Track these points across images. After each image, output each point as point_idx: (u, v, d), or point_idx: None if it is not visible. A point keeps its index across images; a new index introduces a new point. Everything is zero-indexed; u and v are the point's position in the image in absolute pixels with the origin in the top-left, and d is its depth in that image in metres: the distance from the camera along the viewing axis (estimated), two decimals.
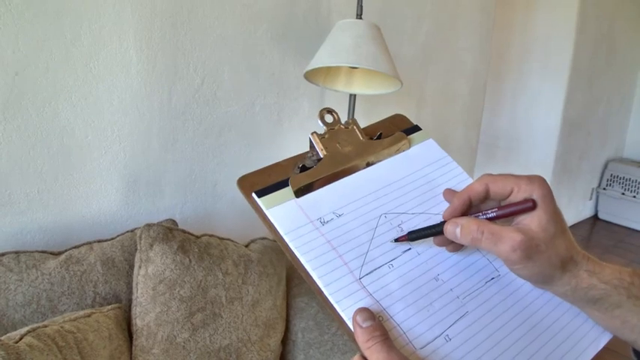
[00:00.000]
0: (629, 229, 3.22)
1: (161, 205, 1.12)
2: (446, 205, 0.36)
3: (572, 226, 3.18)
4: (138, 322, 0.86)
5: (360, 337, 0.28)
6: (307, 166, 0.37)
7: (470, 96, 1.97)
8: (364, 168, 0.38)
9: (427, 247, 0.35)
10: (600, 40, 2.85)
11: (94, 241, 0.91)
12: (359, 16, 1.14)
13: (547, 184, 0.32)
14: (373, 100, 1.44)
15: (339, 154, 0.38)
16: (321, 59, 1.07)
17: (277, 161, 0.37)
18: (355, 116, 1.23)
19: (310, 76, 1.16)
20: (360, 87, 1.24)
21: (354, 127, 0.40)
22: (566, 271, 0.31)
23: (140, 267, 0.87)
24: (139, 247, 0.89)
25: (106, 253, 0.89)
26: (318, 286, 0.31)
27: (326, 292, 0.31)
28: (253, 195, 0.35)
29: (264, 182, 0.36)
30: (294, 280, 1.08)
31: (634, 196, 3.17)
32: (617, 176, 3.26)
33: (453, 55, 1.84)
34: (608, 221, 3.32)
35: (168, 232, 0.90)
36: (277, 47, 1.24)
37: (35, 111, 0.91)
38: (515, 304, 0.34)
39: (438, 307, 0.32)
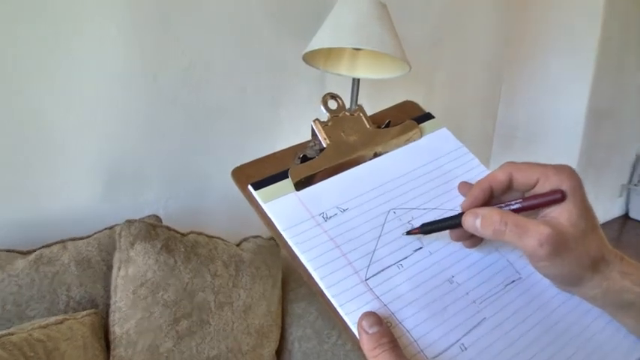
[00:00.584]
0: None
1: (144, 200, 1.12)
2: (461, 200, 0.36)
3: (600, 226, 3.17)
4: (116, 329, 0.86)
5: (366, 345, 0.28)
6: (309, 156, 0.38)
7: (485, 82, 1.97)
8: (371, 159, 0.39)
9: (441, 246, 0.35)
10: (631, 20, 2.83)
11: (68, 239, 0.90)
12: None
13: (577, 174, 0.32)
14: (378, 85, 1.44)
15: (344, 143, 0.38)
16: (321, 40, 1.06)
17: (275, 151, 0.38)
18: (359, 103, 1.23)
19: (309, 58, 1.15)
20: (364, 71, 1.24)
21: (361, 115, 0.40)
22: (596, 271, 0.31)
23: (119, 268, 0.87)
24: (118, 246, 0.88)
25: (81, 252, 0.88)
26: (320, 287, 0.31)
27: (328, 295, 0.31)
28: (249, 187, 0.35)
29: (262, 173, 0.36)
30: (290, 284, 1.08)
31: None
32: None
33: (466, 38, 1.83)
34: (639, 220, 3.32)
35: (152, 229, 0.90)
36: (273, 27, 1.23)
37: (1, 95, 0.90)
38: (538, 309, 0.34)
39: (453, 313, 0.32)
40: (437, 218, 0.36)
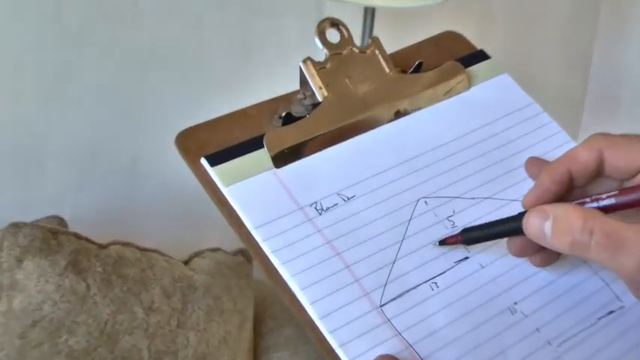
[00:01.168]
0: None
1: (40, 193, 1.12)
2: (529, 185, 0.37)
3: None
4: None
5: None
6: (295, 115, 0.39)
7: (572, 16, 1.95)
8: (392, 120, 0.40)
9: (498, 257, 0.36)
10: None
11: None
12: None
13: None
14: (403, 18, 1.43)
15: (350, 96, 0.39)
16: None
17: (244, 107, 0.40)
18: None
19: None
20: None
21: (376, 52, 0.41)
22: None
23: (0, 298, 0.85)
24: None
25: None
26: (309, 317, 0.32)
27: (323, 328, 0.32)
28: (203, 162, 0.36)
29: (222, 141, 0.37)
30: (267, 322, 1.09)
31: None
32: None
33: None
34: None
35: (51, 237, 0.89)
36: None
37: None
38: None
39: (516, 359, 0.33)
40: (490, 213, 0.37)
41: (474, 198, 0.38)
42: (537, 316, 0.34)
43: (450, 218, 0.37)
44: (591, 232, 0.30)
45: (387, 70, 0.41)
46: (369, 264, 0.34)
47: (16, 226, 0.88)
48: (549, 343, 0.33)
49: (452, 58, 0.43)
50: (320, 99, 0.39)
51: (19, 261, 0.87)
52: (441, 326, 0.33)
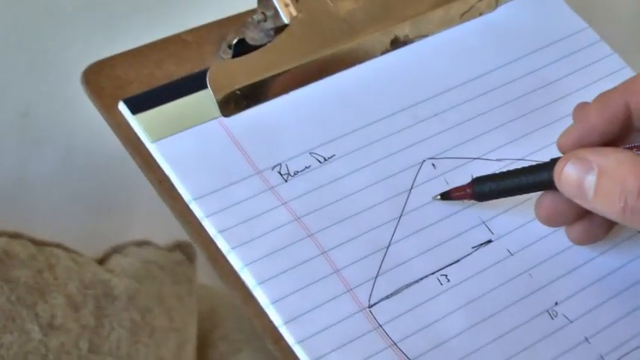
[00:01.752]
0: None
1: None
2: None
3: None
4: None
5: None
6: (251, 43, 0.38)
7: None
8: (386, 52, 0.40)
9: (532, 240, 0.36)
10: None
11: None
12: None
13: None
14: None
15: (328, 16, 0.38)
16: None
17: (178, 32, 0.39)
18: None
19: None
20: None
21: None
22: None
23: None
24: None
25: None
26: (269, 322, 0.32)
27: (289, 337, 0.32)
28: (121, 107, 0.36)
29: (148, 78, 0.37)
30: (216, 345, 1.10)
31: None
32: None
33: None
34: None
35: None
36: None
37: None
38: None
39: None
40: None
41: (500, 160, 0.38)
42: (586, 322, 0.34)
43: None
44: None
45: None
46: (354, 249, 0.34)
47: None
48: (602, 358, 0.33)
49: None
50: (286, 20, 0.37)
51: None
52: (452, 335, 0.32)
